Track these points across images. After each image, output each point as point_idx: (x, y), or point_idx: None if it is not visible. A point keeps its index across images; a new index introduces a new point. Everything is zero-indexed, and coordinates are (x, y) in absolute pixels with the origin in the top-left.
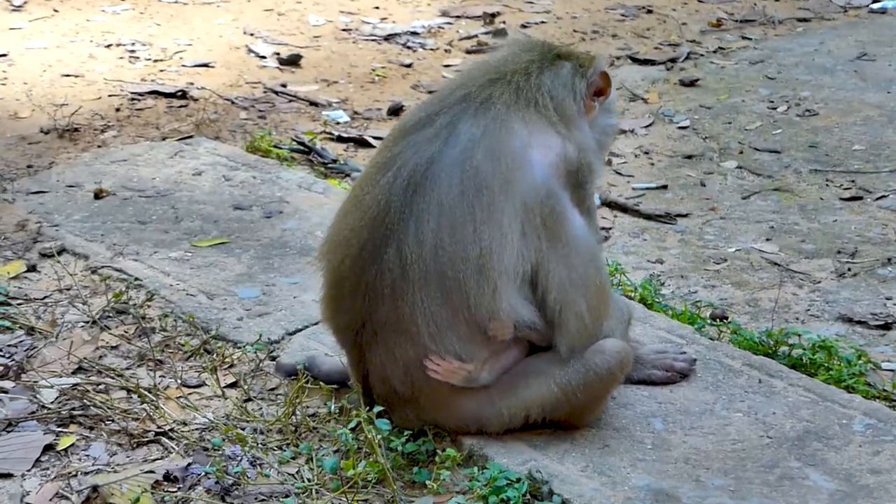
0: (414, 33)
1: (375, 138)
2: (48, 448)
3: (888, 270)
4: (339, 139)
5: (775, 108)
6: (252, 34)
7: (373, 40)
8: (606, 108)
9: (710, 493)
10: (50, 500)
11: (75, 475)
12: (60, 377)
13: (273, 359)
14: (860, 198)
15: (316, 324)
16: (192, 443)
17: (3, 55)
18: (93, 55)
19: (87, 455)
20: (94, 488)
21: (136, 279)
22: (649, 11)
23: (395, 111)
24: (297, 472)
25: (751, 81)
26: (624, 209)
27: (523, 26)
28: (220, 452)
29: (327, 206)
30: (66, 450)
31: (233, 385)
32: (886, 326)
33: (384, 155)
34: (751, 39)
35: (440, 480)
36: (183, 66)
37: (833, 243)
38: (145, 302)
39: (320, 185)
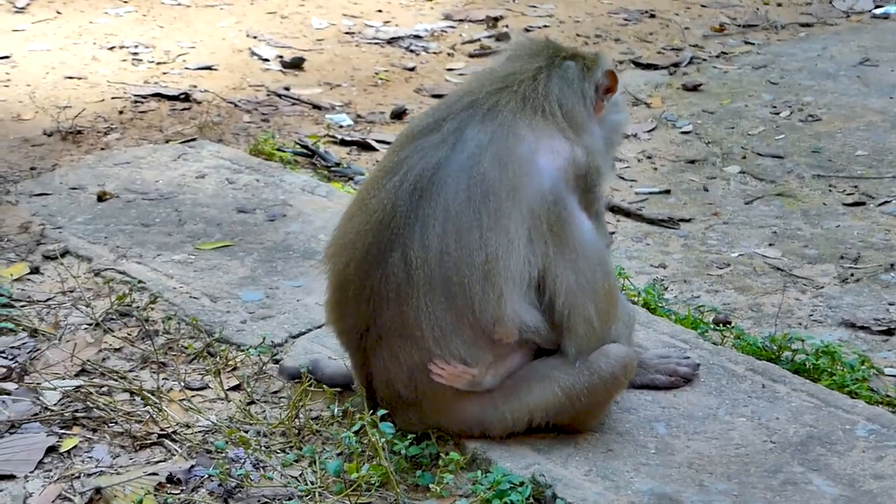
0: (417, 37)
1: (378, 142)
2: (51, 450)
3: (891, 276)
4: (343, 142)
5: (778, 114)
6: (255, 37)
7: (376, 44)
8: (614, 105)
9: (714, 498)
10: (53, 501)
11: (78, 477)
12: (63, 379)
13: (276, 362)
14: (863, 203)
15: (319, 327)
16: (195, 445)
17: (7, 57)
18: (96, 57)
19: (90, 457)
20: (97, 490)
21: (140, 282)
22: (652, 16)
23: (398, 115)
24: (300, 475)
25: (754, 86)
26: (627, 214)
27: (526, 30)
28: (224, 455)
29: (330, 210)
30: (69, 452)
31: (236, 388)
32: (889, 332)
33: (391, 159)
34: (753, 44)
35: (443, 484)
36: (186, 68)
37: (836, 249)
38: (148, 304)
39: (324, 188)
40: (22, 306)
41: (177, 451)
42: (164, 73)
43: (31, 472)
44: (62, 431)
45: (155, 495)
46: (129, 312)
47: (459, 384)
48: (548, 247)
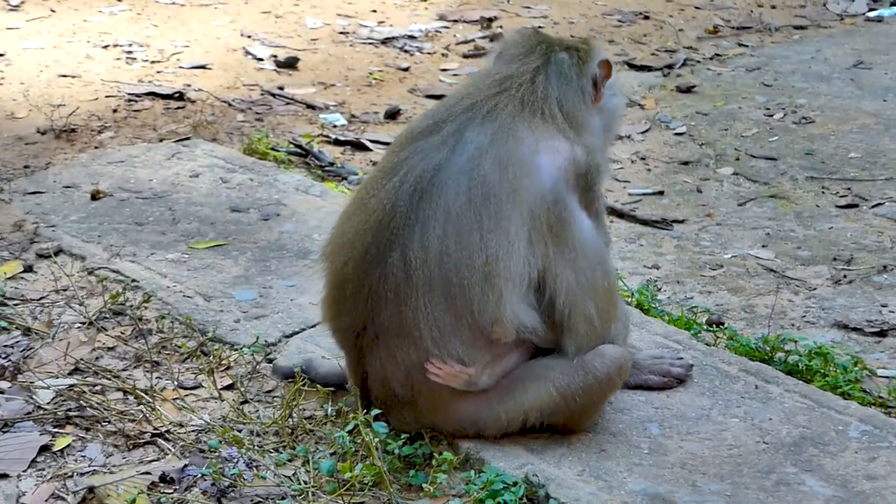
0: (411, 37)
1: (372, 141)
2: (44, 449)
3: (884, 278)
4: (336, 142)
5: (772, 116)
6: (249, 36)
7: (370, 44)
8: (611, 90)
9: (707, 498)
10: (46, 500)
11: (71, 476)
12: (57, 378)
13: (270, 361)
14: (856, 205)
15: (313, 326)
16: (188, 444)
17: (0, 55)
18: (90, 56)
19: (84, 456)
20: (91, 489)
21: (133, 280)
22: (646, 18)
23: (392, 115)
24: (293, 475)
25: (747, 88)
26: (620, 215)
27: None
28: (217, 454)
29: (324, 209)
30: (62, 450)
31: (229, 387)
32: (882, 333)
33: (390, 160)
34: (747, 46)
35: (437, 484)
36: (180, 67)
37: (829, 250)
38: (142, 303)
39: (317, 188)
40: (15, 305)
41: (170, 450)
42: (159, 72)
43: (24, 470)
44: (55, 430)
45: (148, 494)
46: (123, 311)
47: (456, 384)
48: (548, 247)
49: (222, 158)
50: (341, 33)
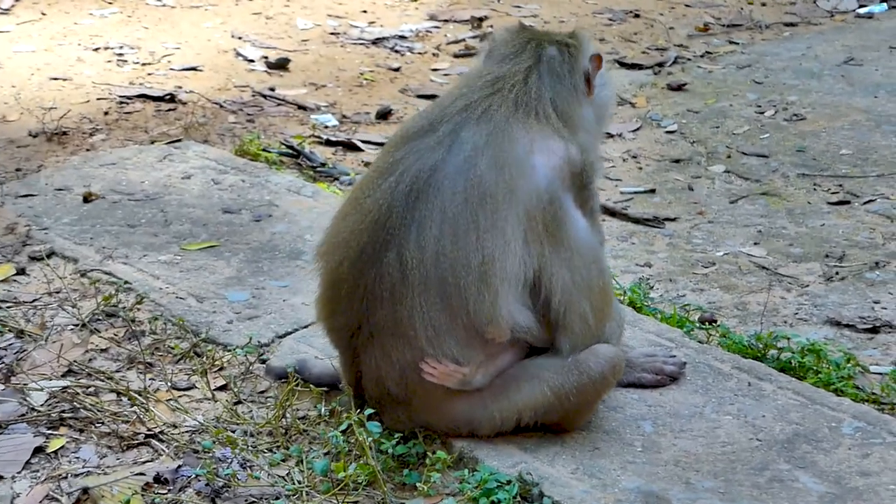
0: (402, 37)
1: (364, 142)
2: (38, 450)
3: (876, 274)
4: (328, 143)
5: (763, 113)
6: (240, 38)
7: (361, 44)
8: (601, 79)
9: (700, 496)
10: (40, 502)
11: (65, 477)
12: (50, 380)
13: (263, 362)
14: (848, 202)
15: (306, 327)
16: (182, 445)
17: None
18: (81, 58)
19: (77, 457)
20: (85, 490)
21: (126, 282)
22: (637, 16)
23: (384, 115)
24: (287, 475)
25: (738, 86)
26: (612, 213)
27: None
28: (211, 455)
29: (316, 210)
30: (56, 452)
31: (223, 388)
32: (874, 330)
33: (385, 160)
34: (738, 44)
35: (430, 483)
36: (171, 69)
37: (821, 247)
38: (135, 305)
39: (309, 188)
40: (8, 307)
41: (164, 451)
42: (150, 74)
43: (19, 472)
44: (49, 432)
45: (142, 495)
46: (116, 313)
47: (450, 383)
48: (544, 247)
49: (214, 160)
50: (332, 34)
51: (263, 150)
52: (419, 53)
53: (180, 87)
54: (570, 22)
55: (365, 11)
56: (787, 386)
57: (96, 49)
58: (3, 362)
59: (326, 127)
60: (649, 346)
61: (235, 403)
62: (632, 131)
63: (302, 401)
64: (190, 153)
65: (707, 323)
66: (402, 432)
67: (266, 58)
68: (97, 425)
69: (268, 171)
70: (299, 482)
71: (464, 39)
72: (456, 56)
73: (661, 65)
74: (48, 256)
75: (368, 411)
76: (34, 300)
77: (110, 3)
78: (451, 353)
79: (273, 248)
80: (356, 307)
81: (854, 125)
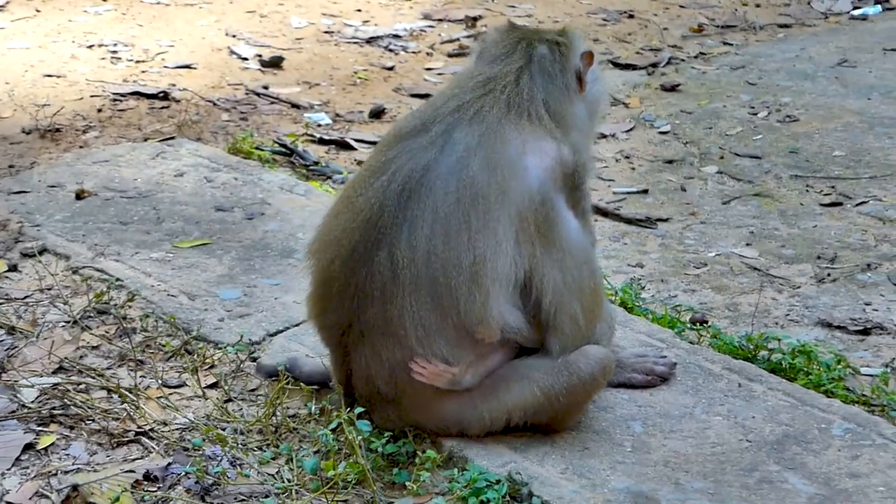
0: (396, 36)
1: (357, 141)
2: (28, 447)
3: (867, 276)
4: (321, 141)
5: (756, 114)
6: (234, 36)
7: (355, 43)
8: (593, 75)
9: (690, 496)
10: (30, 498)
11: (55, 474)
12: (41, 377)
13: (254, 360)
14: (840, 203)
15: (297, 325)
16: (172, 443)
17: None
18: (75, 56)
19: (68, 454)
20: (74, 487)
21: (118, 279)
22: (631, 16)
23: (377, 114)
24: (277, 473)
25: (732, 87)
26: (604, 213)
27: None
28: (201, 452)
29: (309, 209)
30: (46, 449)
31: (213, 386)
32: (865, 332)
33: (378, 159)
34: (732, 45)
35: (420, 482)
36: (165, 67)
37: (813, 249)
38: (126, 302)
39: (302, 187)
40: None
41: (154, 448)
42: (143, 72)
43: (9, 469)
44: (39, 429)
45: (132, 493)
46: (107, 310)
47: (439, 383)
48: (535, 247)
49: (207, 158)
50: (326, 32)
51: (256, 148)
52: (413, 52)
53: (174, 85)
54: (564, 22)
55: (359, 10)
56: (778, 387)
57: (90, 46)
58: None
59: (319, 125)
60: (640, 347)
61: (226, 401)
62: (625, 132)
63: (292, 399)
64: (183, 151)
65: (698, 323)
66: (391, 431)
67: (260, 56)
68: (87, 422)
69: (261, 169)
70: (289, 480)
71: (458, 39)
72: (450, 55)
73: (654, 65)
74: (40, 253)
75: (358, 410)
76: (26, 297)
77: (104, 0)
78: (440, 353)
79: (265, 246)
80: (347, 305)
81: (847, 127)
